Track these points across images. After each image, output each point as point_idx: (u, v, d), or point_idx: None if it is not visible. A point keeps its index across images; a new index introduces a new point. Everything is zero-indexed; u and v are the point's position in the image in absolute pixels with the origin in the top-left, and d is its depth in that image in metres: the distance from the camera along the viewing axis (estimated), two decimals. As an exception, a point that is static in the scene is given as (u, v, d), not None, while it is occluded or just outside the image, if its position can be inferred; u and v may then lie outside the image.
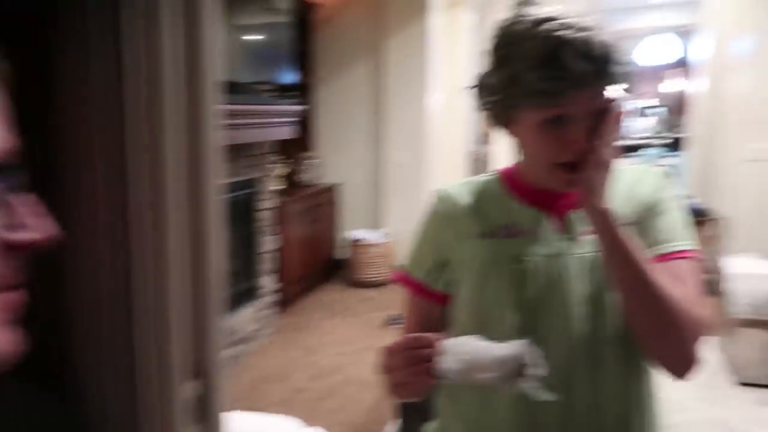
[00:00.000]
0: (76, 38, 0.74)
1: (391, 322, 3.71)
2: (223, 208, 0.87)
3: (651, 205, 0.93)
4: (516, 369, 0.73)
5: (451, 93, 4.94)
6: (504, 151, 4.67)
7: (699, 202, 4.50)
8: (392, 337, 0.83)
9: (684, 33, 7.62)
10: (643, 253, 0.84)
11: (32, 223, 0.41)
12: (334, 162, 5.05)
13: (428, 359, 0.76)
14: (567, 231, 0.93)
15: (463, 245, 0.97)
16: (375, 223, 5.00)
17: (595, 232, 0.85)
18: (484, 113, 0.94)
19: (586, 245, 0.91)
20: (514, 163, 1.00)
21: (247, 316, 3.44)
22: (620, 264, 0.83)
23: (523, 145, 0.93)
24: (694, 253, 0.92)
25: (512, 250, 0.93)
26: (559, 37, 0.80)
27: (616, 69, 0.82)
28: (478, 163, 6.32)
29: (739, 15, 4.19)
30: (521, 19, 0.85)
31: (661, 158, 7.65)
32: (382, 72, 4.77)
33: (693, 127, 5.51)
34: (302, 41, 4.72)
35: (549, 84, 0.80)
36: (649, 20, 7.73)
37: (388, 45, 4.70)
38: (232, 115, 2.76)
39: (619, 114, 0.84)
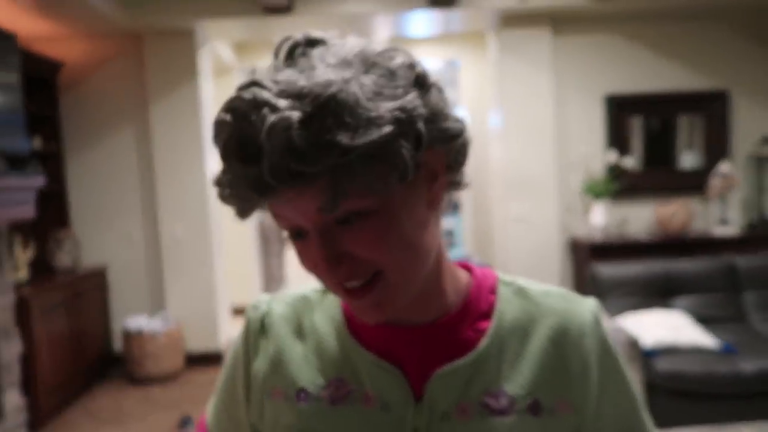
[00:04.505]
0: None
1: (183, 425, 3.15)
2: None
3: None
4: None
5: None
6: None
7: (478, 260, 4.78)
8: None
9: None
10: None
11: None
12: (98, 242, 4.37)
13: None
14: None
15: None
16: (154, 308, 4.39)
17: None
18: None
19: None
20: None
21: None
22: None
23: None
24: None
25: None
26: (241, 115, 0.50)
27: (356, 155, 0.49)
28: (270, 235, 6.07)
29: (488, 93, 4.64)
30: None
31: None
32: (150, 139, 4.30)
33: (463, 192, 5.95)
34: (45, 105, 4.06)
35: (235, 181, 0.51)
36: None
37: (155, 111, 4.26)
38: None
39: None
